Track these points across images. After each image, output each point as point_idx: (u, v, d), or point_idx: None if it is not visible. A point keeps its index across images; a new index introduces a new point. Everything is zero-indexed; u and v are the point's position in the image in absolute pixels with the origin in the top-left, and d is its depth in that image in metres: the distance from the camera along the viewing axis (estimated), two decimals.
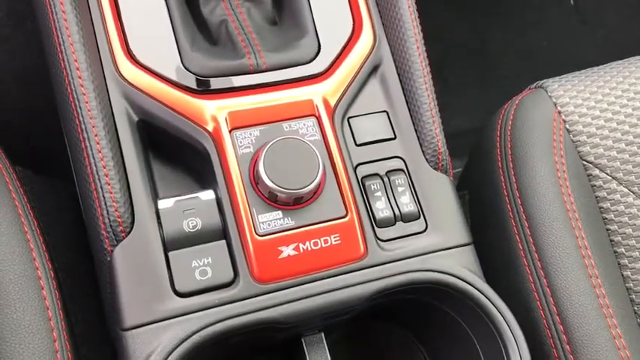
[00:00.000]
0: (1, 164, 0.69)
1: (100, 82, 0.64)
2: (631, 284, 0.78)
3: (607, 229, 0.79)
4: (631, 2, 1.66)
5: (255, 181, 0.63)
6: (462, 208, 0.71)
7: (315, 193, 0.63)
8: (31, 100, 0.87)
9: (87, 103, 0.62)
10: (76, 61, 0.63)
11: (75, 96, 0.63)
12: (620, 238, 0.79)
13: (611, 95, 0.84)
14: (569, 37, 1.66)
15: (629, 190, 0.80)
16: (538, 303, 0.72)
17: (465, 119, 1.38)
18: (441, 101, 0.82)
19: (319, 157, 0.62)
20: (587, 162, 0.80)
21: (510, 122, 0.80)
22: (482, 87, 1.58)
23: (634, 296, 0.77)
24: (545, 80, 0.87)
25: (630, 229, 0.79)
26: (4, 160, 0.70)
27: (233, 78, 0.67)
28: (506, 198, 0.77)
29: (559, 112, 0.81)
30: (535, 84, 0.88)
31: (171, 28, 0.68)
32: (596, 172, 0.80)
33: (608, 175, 0.80)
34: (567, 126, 0.81)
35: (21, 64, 0.93)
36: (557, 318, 0.71)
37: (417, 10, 0.75)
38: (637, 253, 0.78)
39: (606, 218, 0.79)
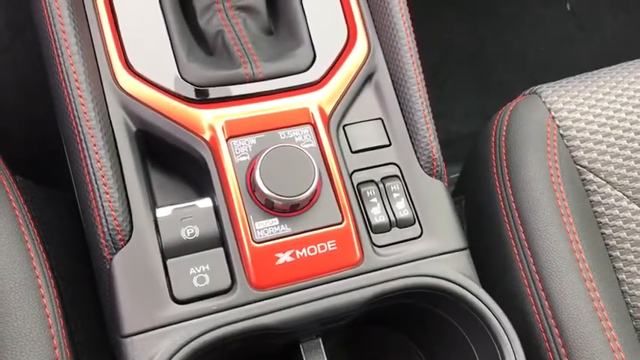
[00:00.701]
0: (2, 174, 0.70)
1: (99, 92, 0.65)
2: (626, 287, 0.78)
3: (601, 233, 0.80)
4: (628, 7, 1.67)
5: (251, 188, 0.63)
6: (457, 213, 0.72)
7: (311, 200, 0.64)
8: (31, 110, 0.88)
9: (85, 113, 0.63)
10: (74, 72, 0.64)
11: (74, 106, 0.63)
12: (614, 241, 0.79)
13: (604, 100, 0.84)
14: (567, 41, 1.67)
15: (623, 194, 0.80)
16: (533, 307, 0.73)
17: (463, 124, 1.39)
18: (439, 106, 0.83)
19: (315, 164, 0.63)
20: (581, 166, 0.81)
21: (505, 128, 0.81)
22: (480, 92, 1.59)
23: (629, 299, 0.78)
24: (539, 86, 0.88)
25: (625, 233, 0.79)
26: (5, 169, 0.71)
27: (230, 87, 0.68)
28: (502, 203, 0.78)
29: (553, 118, 0.82)
30: (529, 90, 0.89)
31: (168, 39, 0.69)
32: (590, 176, 0.81)
33: (602, 179, 0.81)
34: (561, 131, 0.82)
35: (21, 74, 0.94)
36: (553, 321, 0.71)
37: (410, 19, 0.76)
38: (632, 256, 0.79)
39: (601, 222, 0.80)
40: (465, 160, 0.93)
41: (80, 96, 0.63)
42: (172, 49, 0.68)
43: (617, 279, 0.79)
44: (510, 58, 1.63)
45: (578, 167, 0.81)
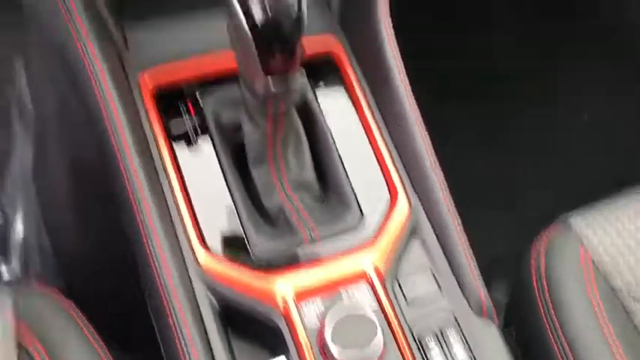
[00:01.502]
0: (96, 344, 0.79)
1: (183, 271, 0.76)
2: None
3: None
4: None
5: (323, 350, 0.71)
6: (511, 349, 0.78)
7: (379, 359, 0.72)
8: (122, 287, 0.98)
9: (176, 295, 0.73)
10: (164, 260, 0.75)
11: (164, 288, 0.74)
12: None
13: (631, 224, 0.92)
14: (587, 154, 1.72)
15: None
16: None
17: (499, 246, 1.44)
18: (475, 232, 0.91)
19: (378, 324, 0.71)
20: (618, 290, 0.87)
21: (542, 264, 0.89)
22: (510, 213, 1.65)
23: None
24: (569, 214, 0.96)
25: None
26: (99, 339, 0.80)
27: (293, 254, 0.78)
28: (552, 339, 0.84)
29: (585, 249, 0.89)
30: (560, 219, 0.97)
31: (237, 218, 0.80)
32: (629, 300, 0.86)
33: None
34: (594, 258, 0.89)
35: (110, 254, 1.06)
36: None
37: (444, 173, 0.86)
38: None
39: None
40: (510, 293, 0.99)
41: (170, 282, 0.73)
42: (242, 228, 0.80)
43: None
44: (534, 175, 1.70)
45: (615, 292, 0.87)
